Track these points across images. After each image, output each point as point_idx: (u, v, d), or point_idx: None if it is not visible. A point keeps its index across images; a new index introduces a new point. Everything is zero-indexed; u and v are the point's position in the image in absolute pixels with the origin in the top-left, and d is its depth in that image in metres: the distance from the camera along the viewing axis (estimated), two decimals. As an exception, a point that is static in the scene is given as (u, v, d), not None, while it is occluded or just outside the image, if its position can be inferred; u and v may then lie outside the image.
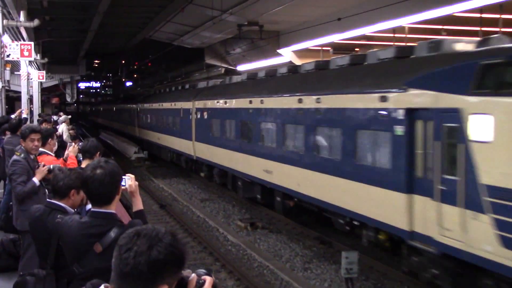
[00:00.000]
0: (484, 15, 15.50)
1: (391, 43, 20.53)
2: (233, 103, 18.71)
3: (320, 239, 14.50)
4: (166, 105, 28.91)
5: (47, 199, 4.48)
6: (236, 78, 22.22)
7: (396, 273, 11.63)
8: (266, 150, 15.72)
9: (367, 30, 19.30)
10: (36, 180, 6.72)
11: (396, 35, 20.08)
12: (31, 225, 4.29)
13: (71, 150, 7.99)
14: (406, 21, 17.37)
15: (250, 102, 16.84)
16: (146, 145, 36.03)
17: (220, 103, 20.10)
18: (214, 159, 20.64)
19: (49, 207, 4.34)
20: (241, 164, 17.58)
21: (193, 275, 2.20)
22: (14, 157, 7.18)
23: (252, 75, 19.69)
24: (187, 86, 29.75)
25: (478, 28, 15.75)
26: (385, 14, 16.86)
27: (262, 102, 15.94)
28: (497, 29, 15.10)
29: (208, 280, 2.19)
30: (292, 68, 16.73)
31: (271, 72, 17.81)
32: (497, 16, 15.06)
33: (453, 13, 15.48)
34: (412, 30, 19.85)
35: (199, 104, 22.68)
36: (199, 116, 22.56)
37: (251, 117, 16.88)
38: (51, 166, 6.82)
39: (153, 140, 32.64)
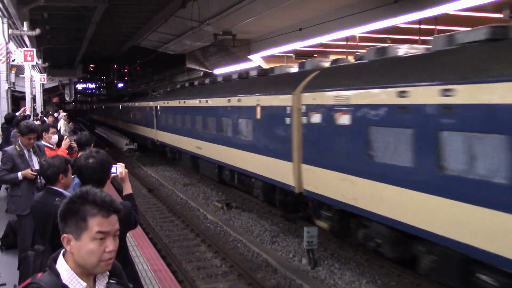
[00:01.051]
0: (422, 26, 15.66)
1: (344, 50, 20.68)
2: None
3: (285, 217, 14.55)
4: (216, 101, 17.21)
5: (47, 185, 4.45)
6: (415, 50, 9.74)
7: (349, 245, 11.74)
8: None
9: (324, 38, 19.36)
10: (20, 175, 6.68)
11: (348, 43, 20.19)
12: (32, 208, 4.24)
13: (64, 143, 8.06)
14: (357, 31, 17.47)
15: None
16: (171, 153, 25.81)
17: (410, 95, 8.08)
18: (376, 206, 8.94)
19: (47, 192, 4.30)
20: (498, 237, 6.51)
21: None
22: (6, 148, 7.24)
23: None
24: (253, 74, 16.52)
25: (417, 37, 15.92)
26: (339, 25, 16.95)
27: None
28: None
29: None
30: None
31: None
32: (433, 27, 15.23)
33: (396, 24, 15.62)
34: (362, 39, 19.97)
35: (316, 98, 10.96)
36: (315, 120, 11.00)
37: None
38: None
39: (187, 149, 21.34)
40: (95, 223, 2.11)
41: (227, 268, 10.84)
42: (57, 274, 2.11)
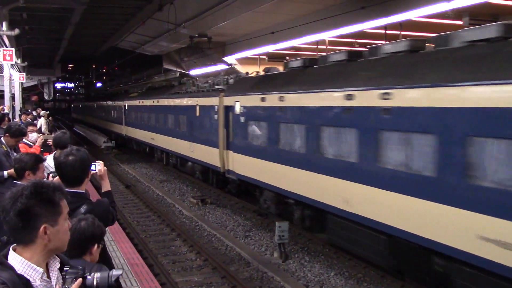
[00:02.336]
0: (388, 31, 15.84)
1: (315, 53, 20.78)
2: None
3: (258, 212, 14.56)
4: None
5: (14, 181, 4.39)
6: None
7: (318, 238, 11.82)
8: None
9: (296, 42, 19.42)
10: (6, 173, 6.56)
11: (319, 46, 20.30)
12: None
13: (38, 140, 7.99)
14: (326, 35, 17.57)
15: None
16: (273, 202, 12.70)
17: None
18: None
19: (12, 187, 4.25)
20: None
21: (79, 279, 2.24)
22: None
23: None
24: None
25: (383, 42, 16.10)
26: (309, 29, 17.01)
27: None
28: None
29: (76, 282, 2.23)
30: None
31: None
32: (398, 32, 15.42)
33: (363, 29, 15.75)
34: (331, 43, 20.10)
35: None
36: None
37: None
38: None
39: (377, 218, 8.21)
40: (64, 205, 2.24)
41: (201, 261, 10.81)
42: (11, 268, 2.11)
